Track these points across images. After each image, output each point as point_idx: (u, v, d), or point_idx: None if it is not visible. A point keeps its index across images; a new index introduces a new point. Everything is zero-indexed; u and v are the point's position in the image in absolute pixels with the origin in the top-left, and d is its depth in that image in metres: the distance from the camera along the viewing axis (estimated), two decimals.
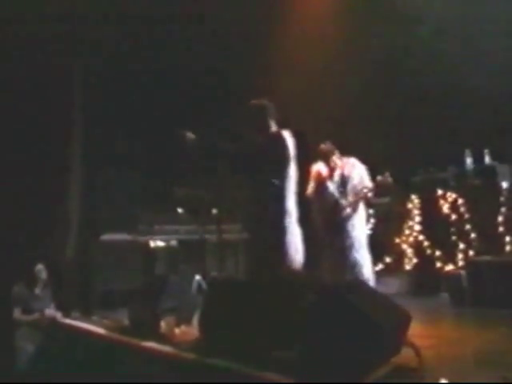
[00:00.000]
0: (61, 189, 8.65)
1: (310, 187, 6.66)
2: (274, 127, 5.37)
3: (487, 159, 7.88)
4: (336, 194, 6.53)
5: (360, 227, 6.54)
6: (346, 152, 6.68)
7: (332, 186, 6.56)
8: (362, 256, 6.45)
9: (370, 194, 6.63)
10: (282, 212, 5.07)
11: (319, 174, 6.64)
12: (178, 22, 8.75)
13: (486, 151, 7.88)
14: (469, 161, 7.97)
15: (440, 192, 8.11)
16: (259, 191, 5.16)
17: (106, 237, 8.20)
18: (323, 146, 6.66)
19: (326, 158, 6.63)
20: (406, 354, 3.92)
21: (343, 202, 6.48)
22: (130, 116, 8.92)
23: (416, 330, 4.40)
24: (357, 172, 6.57)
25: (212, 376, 4.11)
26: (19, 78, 8.14)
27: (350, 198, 6.49)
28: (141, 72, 8.95)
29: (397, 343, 3.88)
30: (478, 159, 7.94)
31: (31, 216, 8.23)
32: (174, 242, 8.55)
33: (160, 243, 8.51)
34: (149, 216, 8.56)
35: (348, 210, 6.47)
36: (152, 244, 8.48)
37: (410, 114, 8.61)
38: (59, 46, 8.38)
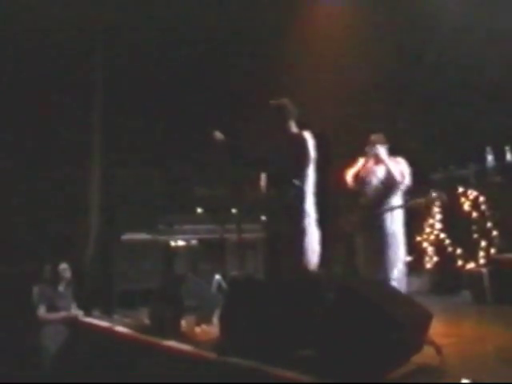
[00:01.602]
0: (82, 189, 8.71)
1: (351, 177, 6.57)
2: (294, 128, 5.37)
3: (508, 156, 7.80)
4: (380, 189, 6.47)
5: (398, 225, 6.49)
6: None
7: (376, 181, 6.49)
8: (397, 255, 6.41)
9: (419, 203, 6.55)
10: (302, 212, 5.09)
11: (364, 167, 6.56)
12: (202, 22, 8.75)
13: (507, 148, 7.80)
14: (490, 158, 7.89)
15: (461, 190, 8.05)
16: (280, 191, 5.18)
17: (127, 236, 8.24)
18: (374, 137, 6.58)
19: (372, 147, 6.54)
20: (427, 353, 3.90)
21: (385, 202, 6.42)
22: (150, 115, 8.95)
23: (437, 329, 4.38)
24: (399, 168, 6.50)
25: (232, 375, 4.12)
26: (37, 74, 8.20)
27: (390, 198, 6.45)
28: (164, 69, 8.95)
29: (418, 341, 3.86)
30: (499, 156, 7.87)
31: (53, 216, 8.31)
32: (193, 242, 8.57)
33: (180, 243, 8.53)
34: (169, 216, 8.58)
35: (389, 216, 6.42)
36: (172, 243, 8.50)
37: (429, 111, 8.55)
38: (80, 39, 8.44)
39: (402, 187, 6.38)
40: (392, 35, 8.36)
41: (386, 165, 6.39)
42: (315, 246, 5.11)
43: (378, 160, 6.48)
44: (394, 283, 6.19)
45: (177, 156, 9.17)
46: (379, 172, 6.47)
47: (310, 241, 5.07)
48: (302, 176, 5.13)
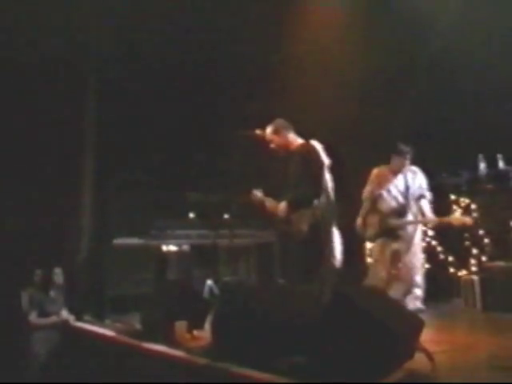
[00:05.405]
0: (74, 193, 8.67)
1: (368, 189, 6.67)
2: (298, 139, 5.40)
3: (501, 164, 7.82)
4: (400, 198, 6.55)
5: (419, 234, 6.59)
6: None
7: (395, 190, 6.59)
8: (418, 261, 6.50)
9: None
10: (322, 221, 5.08)
11: (381, 176, 6.65)
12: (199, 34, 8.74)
13: (499, 156, 7.82)
14: (482, 166, 7.91)
15: (453, 197, 8.06)
16: (303, 214, 5.15)
17: (119, 241, 8.22)
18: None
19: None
20: (419, 360, 3.90)
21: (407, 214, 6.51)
22: (142, 121, 8.93)
23: (429, 336, 4.37)
24: (417, 180, 6.62)
25: (223, 381, 4.11)
26: (31, 91, 8.17)
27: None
28: (159, 73, 8.94)
29: (410, 348, 3.86)
30: (492, 164, 7.89)
31: (44, 221, 8.27)
32: (186, 247, 8.56)
33: (172, 248, 8.52)
34: (161, 220, 8.57)
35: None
36: (164, 248, 8.49)
37: (422, 118, 8.57)
38: (73, 57, 8.42)
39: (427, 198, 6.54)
40: (389, 41, 8.36)
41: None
42: (337, 251, 5.12)
43: (397, 171, 6.61)
44: (419, 291, 6.31)
45: (169, 160, 9.15)
46: (398, 181, 6.59)
47: (332, 247, 5.08)
48: (319, 185, 5.11)
